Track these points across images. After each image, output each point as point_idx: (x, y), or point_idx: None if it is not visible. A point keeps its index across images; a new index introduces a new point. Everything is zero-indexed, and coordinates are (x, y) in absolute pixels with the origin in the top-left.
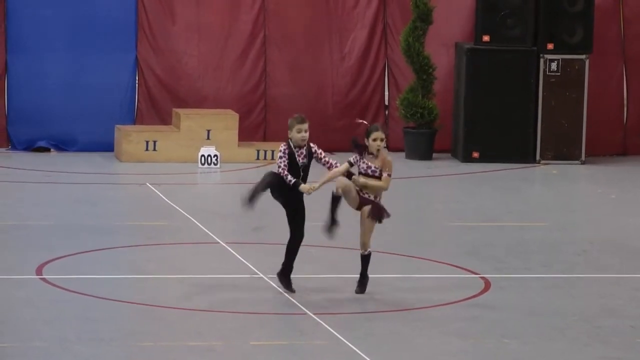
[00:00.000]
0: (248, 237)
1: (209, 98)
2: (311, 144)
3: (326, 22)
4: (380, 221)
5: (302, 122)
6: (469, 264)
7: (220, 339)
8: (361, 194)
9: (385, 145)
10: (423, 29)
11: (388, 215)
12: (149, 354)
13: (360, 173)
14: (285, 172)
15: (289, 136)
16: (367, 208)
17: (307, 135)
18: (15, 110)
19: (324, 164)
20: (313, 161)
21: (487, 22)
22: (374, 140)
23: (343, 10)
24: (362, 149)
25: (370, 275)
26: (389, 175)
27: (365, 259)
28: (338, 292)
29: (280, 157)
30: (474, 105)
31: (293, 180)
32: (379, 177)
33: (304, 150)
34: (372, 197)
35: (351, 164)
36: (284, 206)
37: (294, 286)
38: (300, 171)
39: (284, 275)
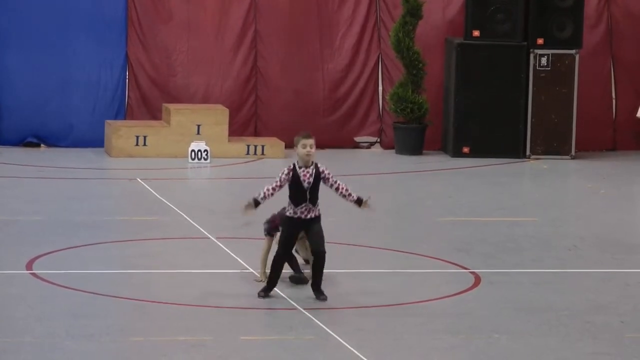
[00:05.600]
0: (238, 232)
1: (199, 93)
2: (319, 165)
3: (317, 17)
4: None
5: (307, 137)
6: (459, 259)
7: (211, 334)
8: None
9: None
10: (413, 23)
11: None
12: (139, 349)
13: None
14: (264, 190)
15: (296, 152)
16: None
17: (312, 151)
18: (5, 106)
19: (331, 187)
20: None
21: (477, 17)
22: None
23: (334, 4)
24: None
25: (360, 270)
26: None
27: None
28: (328, 287)
29: (278, 177)
30: (464, 100)
31: (255, 197)
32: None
33: (310, 170)
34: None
35: (271, 236)
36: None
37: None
38: (306, 194)
39: (315, 289)
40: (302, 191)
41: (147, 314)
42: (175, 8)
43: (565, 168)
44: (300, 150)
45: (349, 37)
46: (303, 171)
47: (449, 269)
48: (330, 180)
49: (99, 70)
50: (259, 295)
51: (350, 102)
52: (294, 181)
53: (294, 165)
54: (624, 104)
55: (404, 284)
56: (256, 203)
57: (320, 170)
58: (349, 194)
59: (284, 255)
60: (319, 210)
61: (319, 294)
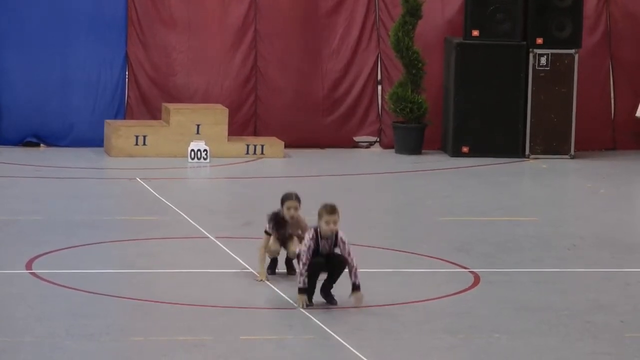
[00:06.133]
0: (238, 232)
1: (199, 93)
2: (340, 234)
3: (316, 16)
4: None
5: (331, 213)
6: (458, 259)
7: (211, 333)
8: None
9: None
10: (412, 23)
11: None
12: (140, 349)
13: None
14: (302, 276)
15: (318, 224)
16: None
17: (335, 227)
18: (5, 106)
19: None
20: None
21: (477, 16)
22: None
23: (333, 4)
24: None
25: (360, 270)
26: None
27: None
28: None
29: (304, 252)
30: (463, 100)
31: (299, 286)
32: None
33: (329, 241)
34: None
35: (269, 234)
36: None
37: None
38: (322, 255)
39: (326, 292)
40: (318, 255)
41: (147, 313)
42: (175, 7)
43: (565, 167)
44: (323, 226)
45: (349, 36)
46: (322, 242)
47: (449, 268)
48: (345, 250)
49: (99, 70)
50: (303, 307)
51: (350, 102)
52: (314, 249)
53: (316, 234)
54: (623, 104)
55: (404, 284)
56: (303, 290)
57: (339, 237)
58: (354, 273)
59: (316, 266)
60: None
61: (330, 298)
